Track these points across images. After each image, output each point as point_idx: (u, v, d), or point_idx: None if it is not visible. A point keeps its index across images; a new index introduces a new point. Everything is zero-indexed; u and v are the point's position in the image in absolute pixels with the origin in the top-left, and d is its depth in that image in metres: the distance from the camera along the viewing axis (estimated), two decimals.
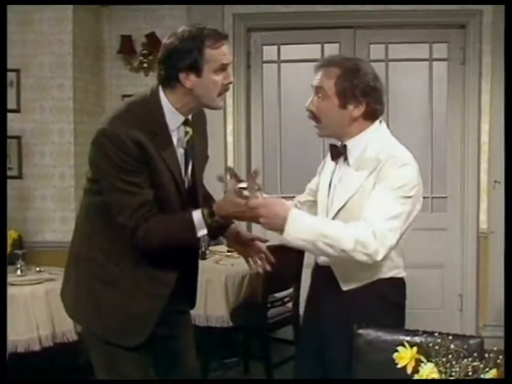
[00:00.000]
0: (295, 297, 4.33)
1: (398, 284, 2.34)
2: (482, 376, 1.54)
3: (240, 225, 2.58)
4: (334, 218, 2.27)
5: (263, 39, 5.35)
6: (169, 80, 2.15)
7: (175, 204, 2.21)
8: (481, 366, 1.55)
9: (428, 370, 1.58)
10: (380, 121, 2.34)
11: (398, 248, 2.25)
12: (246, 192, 2.11)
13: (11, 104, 4.66)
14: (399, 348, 1.66)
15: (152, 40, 5.08)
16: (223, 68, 2.15)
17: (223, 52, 2.14)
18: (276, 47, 5.34)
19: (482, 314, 5.15)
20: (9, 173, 4.52)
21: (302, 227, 2.10)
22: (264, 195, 2.19)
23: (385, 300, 2.28)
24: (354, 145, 2.31)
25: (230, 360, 4.67)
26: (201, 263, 2.52)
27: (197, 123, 2.30)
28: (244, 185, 2.12)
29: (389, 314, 2.27)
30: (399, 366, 1.65)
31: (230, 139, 5.24)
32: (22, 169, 4.88)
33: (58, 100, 4.83)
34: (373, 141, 2.29)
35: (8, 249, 4.14)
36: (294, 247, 2.15)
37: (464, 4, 4.94)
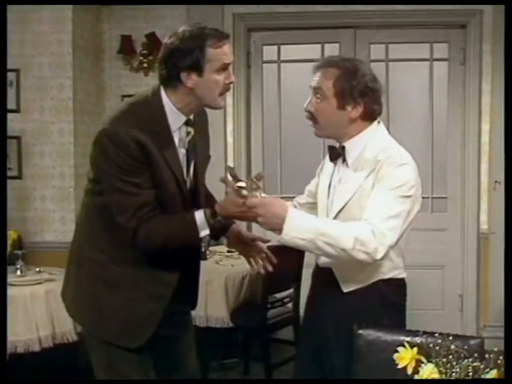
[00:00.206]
0: (295, 298, 4.33)
1: (398, 285, 2.34)
2: (482, 376, 1.54)
3: (241, 225, 2.57)
4: (334, 219, 2.26)
5: (263, 39, 5.35)
6: (170, 80, 2.15)
7: (177, 204, 2.21)
8: (482, 366, 1.55)
9: (428, 370, 1.58)
10: (378, 122, 2.34)
11: (398, 249, 2.25)
12: (244, 192, 2.11)
13: (11, 104, 4.65)
14: (399, 348, 1.66)
15: (152, 40, 5.09)
16: (224, 67, 2.15)
17: (225, 51, 2.13)
18: (276, 47, 5.34)
19: (483, 314, 5.15)
20: (9, 173, 4.51)
21: (301, 226, 2.09)
22: (263, 195, 2.19)
23: (386, 301, 2.28)
24: (352, 146, 2.30)
25: (230, 361, 4.67)
26: (202, 264, 2.51)
27: (198, 123, 2.30)
28: (242, 184, 2.12)
29: (389, 315, 2.26)
30: (399, 366, 1.65)
31: (230, 139, 5.24)
32: (21, 169, 4.87)
33: (58, 100, 4.82)
34: (371, 141, 2.28)
35: (8, 250, 4.15)
36: (292, 247, 2.14)
37: (465, 4, 4.94)
